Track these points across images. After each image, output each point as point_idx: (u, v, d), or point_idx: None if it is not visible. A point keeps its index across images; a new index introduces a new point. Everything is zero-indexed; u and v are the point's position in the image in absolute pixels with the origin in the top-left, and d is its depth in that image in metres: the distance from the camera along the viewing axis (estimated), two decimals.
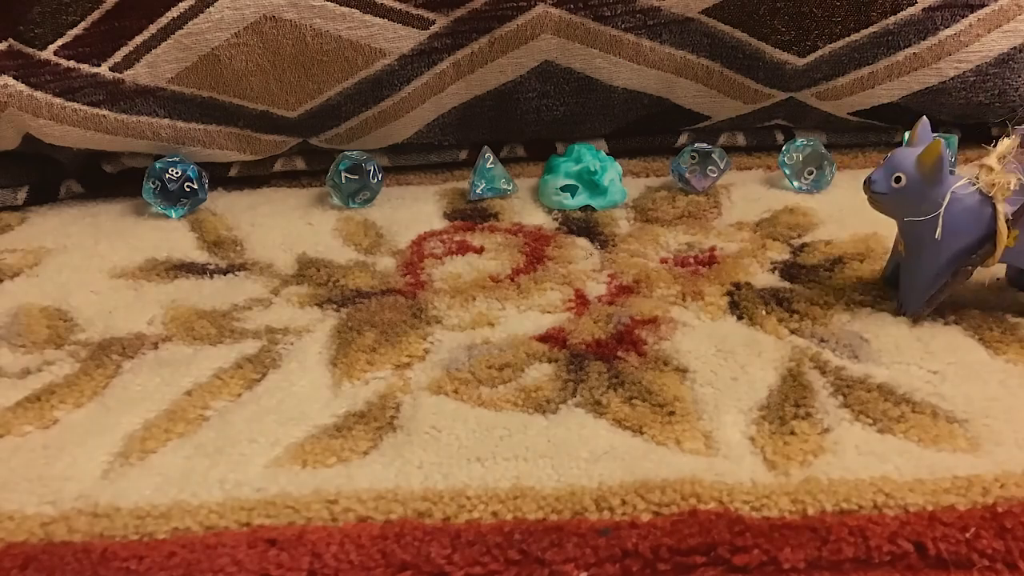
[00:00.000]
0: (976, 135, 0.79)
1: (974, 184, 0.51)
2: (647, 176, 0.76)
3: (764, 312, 0.55)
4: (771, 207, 0.69)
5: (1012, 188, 0.51)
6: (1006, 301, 0.56)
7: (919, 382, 0.48)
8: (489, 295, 0.58)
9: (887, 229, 0.64)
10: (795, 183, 0.72)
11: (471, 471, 0.43)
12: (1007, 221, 0.51)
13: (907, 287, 0.54)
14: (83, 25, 0.69)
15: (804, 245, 0.63)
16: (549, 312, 0.56)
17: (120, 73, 0.70)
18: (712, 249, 0.63)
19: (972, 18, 0.72)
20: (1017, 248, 0.52)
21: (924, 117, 0.54)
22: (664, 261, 0.62)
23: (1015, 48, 0.73)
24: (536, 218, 0.69)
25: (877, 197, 0.53)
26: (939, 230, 0.51)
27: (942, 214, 0.51)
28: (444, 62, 0.71)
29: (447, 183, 0.76)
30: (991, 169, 0.51)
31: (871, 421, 0.46)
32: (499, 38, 0.71)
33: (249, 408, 0.49)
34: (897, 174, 0.52)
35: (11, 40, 0.69)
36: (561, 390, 0.49)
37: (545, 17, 0.71)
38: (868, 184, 0.53)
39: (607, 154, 0.73)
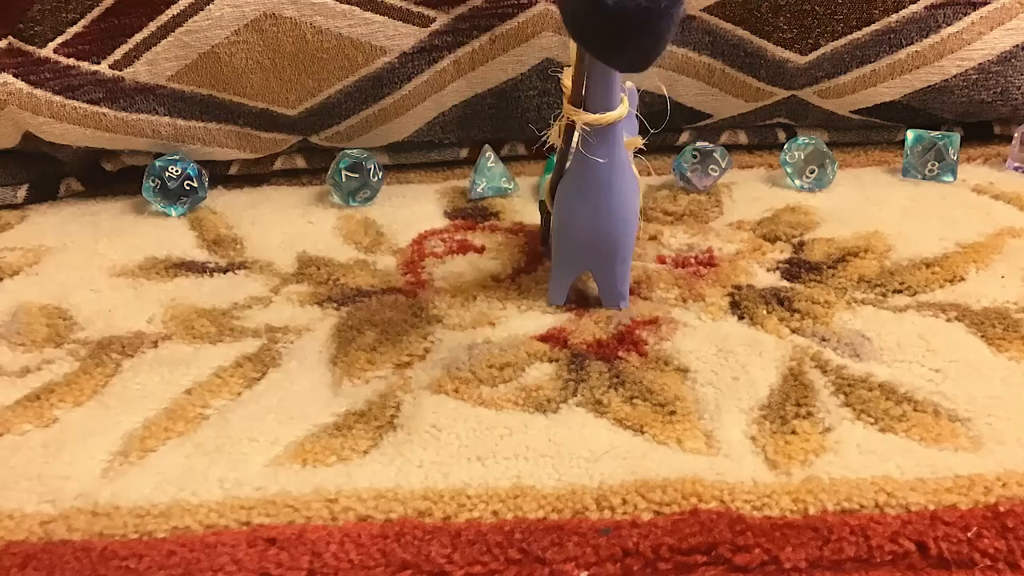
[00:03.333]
0: (978, 133, 0.79)
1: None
2: (648, 175, 0.76)
3: (765, 312, 0.55)
4: (773, 206, 0.69)
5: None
6: None
7: (921, 380, 0.48)
8: (490, 295, 0.58)
9: (889, 227, 0.64)
10: (797, 182, 0.72)
11: (471, 470, 0.43)
12: None
13: None
14: (83, 23, 0.69)
15: (805, 244, 0.63)
16: (550, 312, 0.56)
17: (120, 71, 0.70)
18: (713, 249, 0.63)
19: (974, 16, 0.72)
20: None
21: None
22: (663, 260, 0.61)
23: (1017, 46, 0.73)
24: (537, 217, 0.68)
25: None
26: None
27: None
28: (445, 60, 0.71)
29: (448, 181, 0.76)
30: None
31: (872, 420, 0.46)
32: (500, 36, 0.71)
33: (249, 407, 0.48)
34: None
35: (11, 38, 0.69)
36: (562, 389, 0.49)
37: (546, 15, 0.71)
38: None
39: None
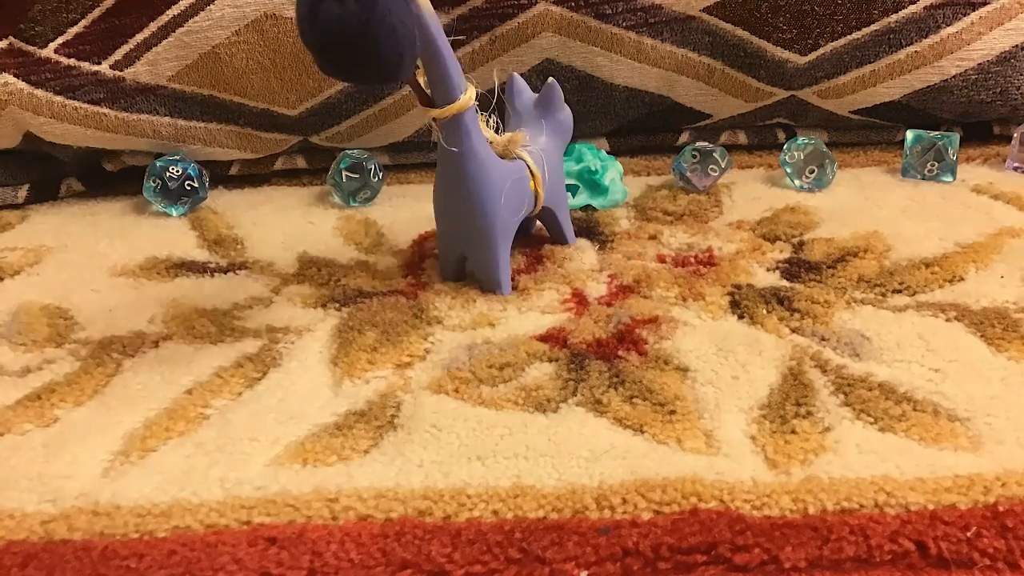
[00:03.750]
0: (978, 133, 0.79)
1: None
2: (648, 175, 0.76)
3: (765, 311, 0.55)
4: (772, 206, 0.69)
5: None
6: None
7: (920, 380, 0.48)
8: (490, 295, 0.58)
9: (888, 227, 0.64)
10: (796, 182, 0.72)
11: (472, 470, 0.43)
12: None
13: None
14: (83, 23, 0.69)
15: (805, 243, 0.63)
16: (549, 312, 0.56)
17: (120, 71, 0.70)
18: (712, 249, 0.63)
19: (974, 16, 0.72)
20: None
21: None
22: (663, 260, 0.62)
23: (1016, 46, 0.73)
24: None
25: None
26: None
27: None
28: None
29: None
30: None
31: (872, 420, 0.46)
32: (500, 36, 0.71)
33: (250, 407, 0.49)
34: None
35: (11, 38, 0.69)
36: (562, 389, 0.49)
37: (546, 15, 0.71)
38: None
39: (608, 153, 0.73)
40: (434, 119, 0.53)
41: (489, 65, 0.72)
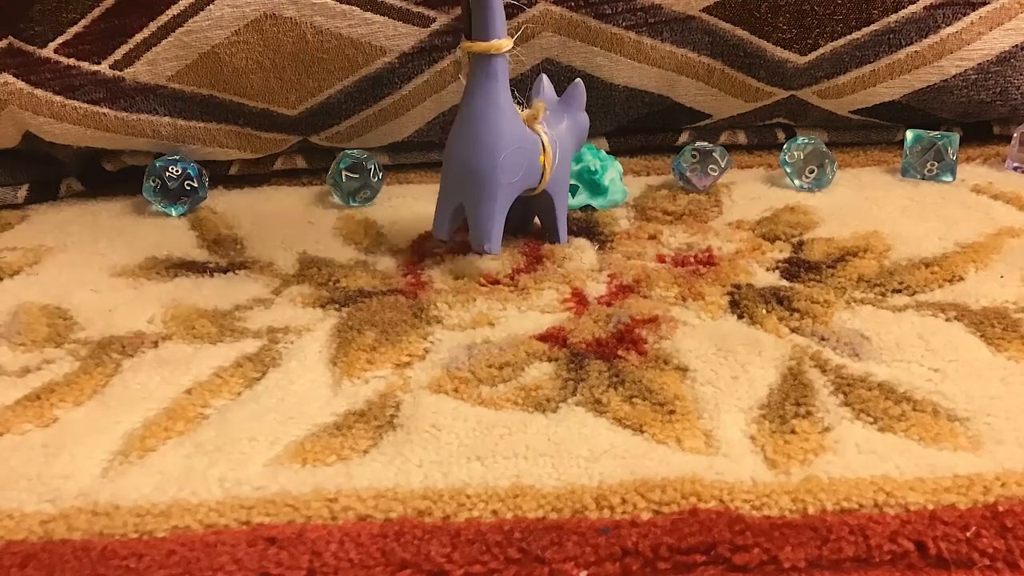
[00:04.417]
0: (978, 133, 0.79)
1: None
2: (648, 175, 0.76)
3: (764, 311, 0.55)
4: (772, 205, 0.69)
5: None
6: None
7: (920, 380, 0.48)
8: (489, 295, 0.58)
9: (888, 227, 0.64)
10: (796, 181, 0.72)
11: (471, 470, 0.43)
12: None
13: None
14: (83, 23, 0.69)
15: (804, 243, 0.63)
16: (549, 312, 0.56)
17: (120, 71, 0.70)
18: (712, 248, 0.63)
19: (973, 16, 0.72)
20: None
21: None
22: (662, 259, 0.62)
23: (1016, 46, 0.73)
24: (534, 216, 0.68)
25: None
26: None
27: None
28: (445, 60, 0.71)
29: None
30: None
31: (872, 419, 0.46)
32: None
33: (249, 407, 0.49)
34: None
35: (11, 38, 0.69)
36: (561, 389, 0.49)
37: (546, 15, 0.71)
38: None
39: (608, 153, 0.73)
40: (467, 53, 0.56)
41: None
